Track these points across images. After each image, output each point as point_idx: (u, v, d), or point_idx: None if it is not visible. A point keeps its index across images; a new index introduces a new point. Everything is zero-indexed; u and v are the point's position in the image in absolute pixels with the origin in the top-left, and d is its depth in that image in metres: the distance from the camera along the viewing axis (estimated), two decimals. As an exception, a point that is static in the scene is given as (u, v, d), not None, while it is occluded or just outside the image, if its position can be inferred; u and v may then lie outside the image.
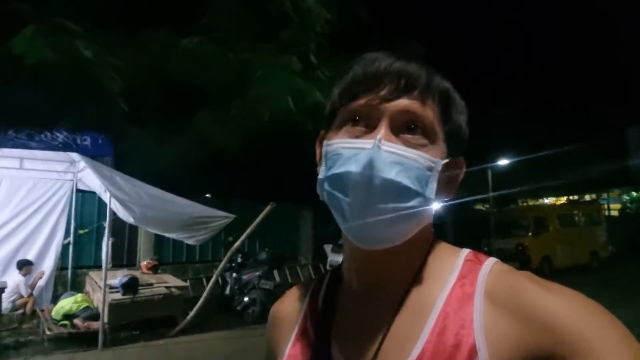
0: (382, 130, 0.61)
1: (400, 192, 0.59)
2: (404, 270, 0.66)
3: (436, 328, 0.60)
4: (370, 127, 0.63)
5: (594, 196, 22.46)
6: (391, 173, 0.59)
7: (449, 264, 0.66)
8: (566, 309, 0.54)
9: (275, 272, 9.50)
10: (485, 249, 13.28)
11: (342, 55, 7.67)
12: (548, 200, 23.03)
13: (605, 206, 21.44)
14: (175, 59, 7.23)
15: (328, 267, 10.74)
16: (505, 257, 12.36)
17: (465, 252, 0.68)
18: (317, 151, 0.72)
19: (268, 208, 7.55)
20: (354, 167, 0.60)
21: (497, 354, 0.55)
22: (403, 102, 0.62)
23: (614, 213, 22.59)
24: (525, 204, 21.20)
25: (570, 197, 22.22)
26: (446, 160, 0.65)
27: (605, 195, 23.75)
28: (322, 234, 11.85)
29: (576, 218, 14.67)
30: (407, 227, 0.63)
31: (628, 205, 22.84)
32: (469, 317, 0.58)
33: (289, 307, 0.80)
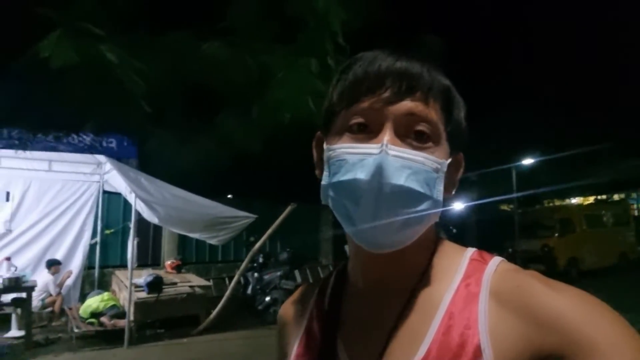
0: (387, 134, 0.59)
1: (411, 197, 0.59)
2: (409, 270, 0.66)
3: (441, 328, 0.59)
4: (374, 131, 0.61)
5: (622, 196, 21.82)
6: (400, 179, 0.58)
7: (454, 263, 0.66)
8: (572, 308, 0.54)
9: (297, 272, 9.52)
10: (510, 250, 13.03)
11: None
12: (575, 201, 22.48)
13: (634, 206, 20.81)
14: (196, 61, 7.32)
15: (349, 268, 10.73)
16: (530, 258, 12.10)
17: (471, 251, 0.68)
18: (315, 153, 0.71)
19: (289, 208, 7.57)
20: (361, 174, 0.58)
21: (502, 354, 0.54)
22: (407, 105, 0.60)
23: (644, 213, 21.90)
24: (551, 204, 20.74)
25: (598, 197, 21.64)
26: (450, 160, 0.64)
27: (634, 195, 23.04)
28: (342, 235, 11.76)
29: (604, 218, 14.27)
30: (416, 231, 0.62)
31: (659, 205, 22.12)
32: (474, 317, 0.58)
33: (296, 307, 0.80)
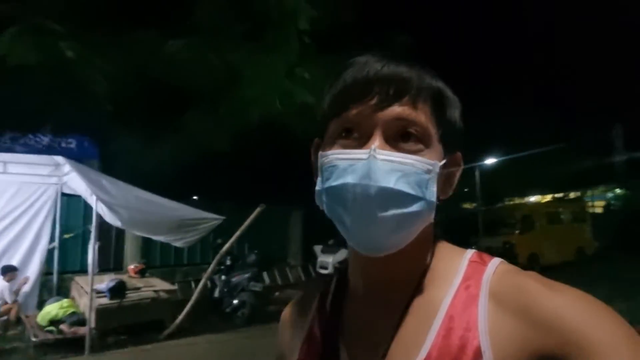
0: (377, 140, 0.61)
1: (401, 199, 0.59)
2: (408, 272, 0.67)
3: (441, 331, 0.60)
4: (364, 137, 0.62)
5: (579, 194, 22.79)
6: (390, 181, 0.59)
7: (454, 265, 0.67)
8: (572, 309, 0.54)
9: (265, 274, 9.47)
10: (473, 247, 13.30)
11: (329, 54, 7.68)
12: (534, 198, 23.31)
13: (591, 203, 21.75)
14: (161, 60, 7.18)
15: (318, 268, 10.74)
16: (492, 254, 12.43)
17: (470, 252, 0.69)
18: (313, 159, 0.72)
19: (257, 210, 7.52)
20: (351, 179, 0.59)
21: (502, 355, 0.55)
22: (395, 110, 0.61)
23: (599, 210, 22.93)
24: (512, 202, 21.43)
25: (556, 195, 22.51)
26: (444, 161, 0.65)
27: (590, 192, 24.09)
28: (312, 235, 11.85)
29: (562, 215, 14.87)
30: (411, 232, 0.63)
31: (612, 202, 23.22)
32: (473, 319, 0.59)
33: (298, 311, 0.81)
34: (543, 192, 23.26)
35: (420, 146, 0.62)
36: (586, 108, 21.51)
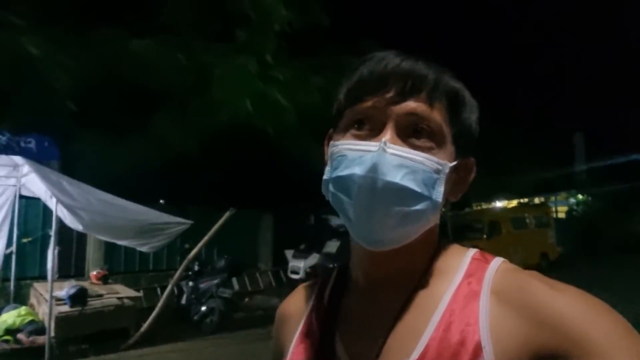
0: (388, 133, 0.61)
1: (407, 195, 0.60)
2: (410, 268, 0.67)
3: (441, 324, 0.60)
4: (376, 130, 0.63)
5: (542, 199, 23.53)
6: (397, 176, 0.59)
7: (456, 262, 0.67)
8: (573, 308, 0.55)
9: (234, 280, 9.34)
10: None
11: (302, 56, 7.68)
12: (500, 203, 23.92)
13: (554, 209, 22.48)
14: (129, 58, 7.01)
15: (289, 273, 10.68)
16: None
17: (473, 251, 0.69)
18: (325, 150, 0.72)
19: (227, 214, 7.44)
20: (358, 170, 0.60)
21: (502, 352, 0.55)
22: (410, 105, 0.62)
23: (562, 215, 23.74)
24: (480, 208, 21.92)
25: (521, 200, 23.17)
26: (454, 163, 0.65)
27: (553, 198, 24.92)
28: (283, 240, 11.78)
29: (527, 221, 15.29)
30: (414, 230, 0.63)
31: (574, 207, 24.07)
32: (475, 315, 0.59)
33: (296, 305, 0.81)
34: (508, 198, 23.90)
35: (432, 144, 0.62)
36: (550, 115, 22.32)
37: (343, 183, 0.62)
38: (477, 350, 0.56)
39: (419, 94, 0.62)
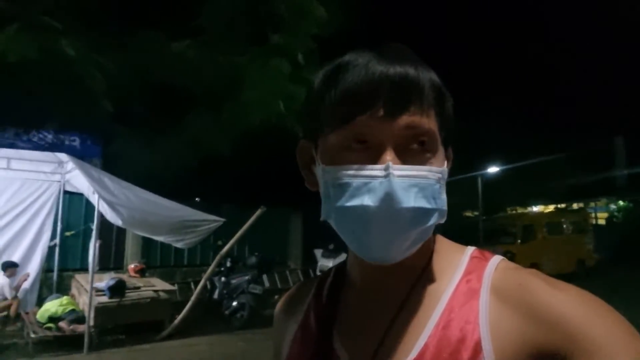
0: (389, 154, 0.57)
1: (420, 215, 0.58)
2: (409, 267, 0.65)
3: (441, 322, 0.60)
4: (373, 149, 0.58)
5: (581, 205, 22.72)
6: (410, 200, 0.56)
7: (455, 260, 0.66)
8: (573, 307, 0.54)
9: (265, 277, 9.44)
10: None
11: (334, 59, 7.67)
12: (536, 208, 23.23)
13: (593, 215, 21.67)
14: (166, 60, 7.19)
15: (318, 272, 10.70)
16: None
17: (471, 249, 0.68)
18: (300, 161, 0.69)
19: (258, 212, 7.51)
20: (369, 201, 0.56)
21: (502, 350, 0.55)
22: (405, 119, 0.58)
23: (601, 222, 22.83)
24: (514, 212, 21.36)
25: (558, 206, 22.45)
26: (446, 163, 0.64)
27: (592, 204, 24.01)
28: (312, 238, 11.82)
29: (564, 226, 14.78)
30: (422, 241, 0.62)
31: (615, 214, 23.12)
32: (474, 312, 0.58)
33: (294, 302, 0.80)
34: (545, 203, 23.18)
35: (429, 155, 0.60)
36: (590, 119, 21.51)
37: (352, 214, 0.58)
38: (477, 348, 0.55)
39: (412, 105, 0.58)
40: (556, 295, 0.55)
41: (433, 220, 0.60)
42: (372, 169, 0.57)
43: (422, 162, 0.59)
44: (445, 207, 0.61)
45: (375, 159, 0.58)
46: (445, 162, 0.64)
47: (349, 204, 0.58)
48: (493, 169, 17.86)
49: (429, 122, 0.60)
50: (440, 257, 0.67)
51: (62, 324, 6.31)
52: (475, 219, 17.94)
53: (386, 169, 0.56)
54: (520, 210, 22.38)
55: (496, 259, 0.65)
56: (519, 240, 13.32)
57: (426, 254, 0.67)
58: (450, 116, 0.65)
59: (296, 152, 0.70)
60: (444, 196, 0.61)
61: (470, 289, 0.61)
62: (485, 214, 17.06)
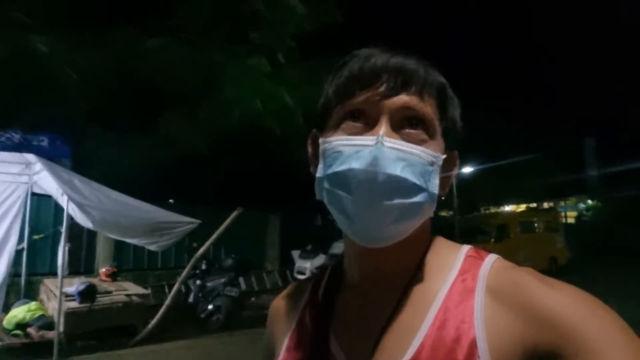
0: (384, 127, 0.60)
1: (406, 188, 0.59)
2: (404, 265, 0.66)
3: (436, 322, 0.60)
4: (369, 124, 0.62)
5: (552, 204, 23.33)
6: (396, 169, 0.58)
7: (450, 259, 0.67)
8: (568, 305, 0.54)
9: (241, 279, 9.37)
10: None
11: (313, 58, 7.68)
12: (509, 207, 23.75)
13: (563, 214, 22.27)
14: (141, 59, 7.05)
15: (295, 274, 10.69)
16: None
17: (466, 248, 0.69)
18: (310, 150, 0.72)
19: (235, 213, 7.46)
20: (357, 164, 0.58)
21: (497, 348, 0.55)
22: (402, 98, 0.62)
23: (571, 220, 23.51)
24: (488, 211, 21.79)
25: (530, 205, 23.01)
26: (445, 156, 0.65)
27: (563, 202, 24.70)
28: (290, 240, 11.80)
29: (536, 225, 15.18)
30: (411, 224, 0.62)
31: (584, 213, 23.84)
32: (469, 312, 0.59)
33: (289, 301, 0.80)
34: (518, 202, 23.73)
35: (425, 137, 0.63)
36: (561, 121, 22.12)
37: (340, 179, 0.60)
38: (472, 347, 0.55)
39: (410, 88, 0.62)
40: (551, 294, 0.56)
41: (420, 199, 0.60)
42: (364, 139, 0.60)
43: (417, 142, 0.62)
44: (436, 192, 0.62)
45: (369, 132, 0.61)
46: (445, 154, 0.65)
47: (338, 169, 0.60)
48: (467, 169, 18.18)
49: (426, 108, 0.63)
50: (436, 255, 0.68)
51: (30, 330, 6.13)
52: (450, 218, 18.23)
53: (378, 138, 0.59)
54: (494, 209, 22.86)
55: (491, 258, 0.66)
56: (493, 239, 13.59)
57: (421, 251, 0.68)
58: (454, 119, 0.69)
59: (307, 141, 0.73)
60: (435, 181, 0.63)
61: (465, 288, 0.62)
62: (460, 213, 17.36)
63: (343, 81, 0.65)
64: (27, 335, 6.11)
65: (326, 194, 0.64)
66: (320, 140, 0.67)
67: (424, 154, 0.61)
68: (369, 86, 0.62)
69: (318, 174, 0.65)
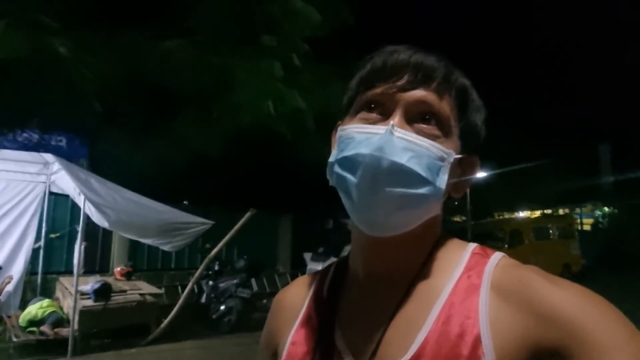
0: (397, 118, 0.62)
1: (410, 177, 0.60)
2: (410, 260, 0.67)
3: (441, 317, 0.60)
4: (385, 115, 0.64)
5: (567, 210, 22.99)
6: (402, 158, 0.59)
7: (456, 256, 0.67)
8: (573, 303, 0.55)
9: (253, 281, 9.39)
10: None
11: (325, 61, 7.69)
12: (523, 214, 23.46)
13: (578, 220, 21.94)
14: (155, 61, 7.13)
15: (307, 276, 10.69)
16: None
17: (473, 245, 0.69)
18: (333, 141, 0.72)
19: (248, 214, 7.48)
20: (364, 150, 0.60)
21: (501, 345, 0.55)
22: (419, 93, 0.63)
23: (587, 227, 23.13)
24: (501, 217, 21.56)
25: (545, 211, 22.69)
26: (460, 156, 0.65)
27: (578, 209, 24.33)
28: (301, 242, 11.80)
29: (550, 231, 14.97)
30: (415, 215, 0.63)
31: (600, 220, 23.44)
32: (474, 308, 0.59)
33: (294, 295, 0.80)
34: (532, 208, 23.44)
35: (439, 133, 0.63)
36: (577, 126, 21.83)
37: (349, 162, 0.62)
38: (477, 343, 0.56)
39: (429, 85, 0.63)
40: (556, 292, 0.56)
41: (425, 191, 0.61)
42: (376, 128, 0.62)
43: (430, 138, 0.63)
44: (443, 187, 0.63)
45: (383, 122, 0.63)
46: (460, 155, 0.66)
47: (348, 153, 0.62)
48: (481, 174, 18.02)
49: (443, 105, 0.64)
50: (442, 252, 0.68)
51: (44, 328, 6.17)
52: (463, 223, 18.07)
53: (388, 127, 0.60)
54: (507, 215, 22.59)
55: (497, 256, 0.66)
56: (507, 245, 13.44)
57: (427, 248, 0.68)
58: (475, 123, 0.69)
59: (333, 132, 0.74)
60: (445, 177, 0.63)
61: (470, 284, 0.62)
62: (473, 218, 17.20)
63: (365, 73, 0.67)
64: (41, 332, 6.14)
65: (335, 177, 0.65)
66: (338, 127, 0.69)
67: (434, 147, 0.62)
68: (388, 79, 0.64)
69: (330, 159, 0.66)
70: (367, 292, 0.69)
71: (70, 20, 6.55)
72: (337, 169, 0.64)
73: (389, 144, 0.59)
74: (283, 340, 0.74)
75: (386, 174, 0.59)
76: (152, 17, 7.30)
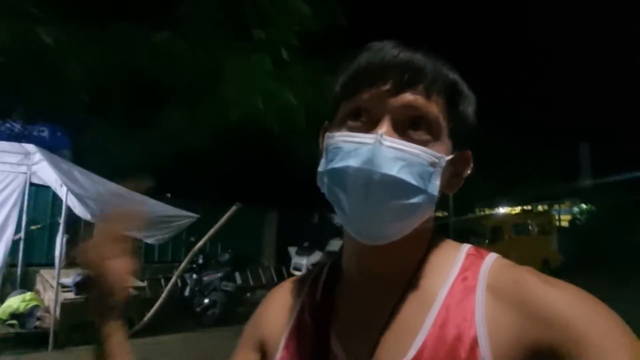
0: (385, 126, 0.60)
1: (402, 188, 0.58)
2: (405, 263, 0.66)
3: (438, 320, 0.60)
4: (372, 122, 0.61)
5: (546, 207, 23.44)
6: (393, 169, 0.58)
7: (451, 257, 0.67)
8: (568, 304, 0.55)
9: (237, 274, 9.39)
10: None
11: (315, 57, 7.70)
12: (503, 209, 23.85)
13: (557, 217, 22.39)
14: (143, 52, 7.05)
15: (292, 270, 10.73)
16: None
17: (467, 246, 0.69)
18: (320, 142, 0.71)
19: (233, 209, 7.46)
20: (353, 162, 0.58)
21: (498, 347, 0.55)
22: (407, 97, 0.61)
23: (565, 224, 23.62)
24: (482, 213, 21.87)
25: (524, 207, 23.12)
26: (451, 156, 0.64)
27: (557, 206, 24.82)
28: (286, 237, 11.83)
29: (529, 227, 15.26)
30: (409, 223, 0.62)
31: (578, 216, 23.96)
32: (470, 310, 0.59)
33: (288, 294, 0.79)
34: (513, 204, 23.83)
35: (429, 137, 0.62)
36: (558, 125, 22.23)
37: (338, 175, 0.60)
38: (474, 345, 0.56)
39: (416, 86, 0.61)
40: (552, 293, 0.57)
41: (418, 200, 0.60)
42: (365, 137, 0.60)
43: (420, 143, 0.61)
44: (436, 193, 0.62)
45: (371, 130, 0.61)
46: (452, 155, 0.65)
47: (337, 165, 0.61)
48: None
49: (431, 107, 0.62)
50: (436, 254, 0.68)
51: (25, 320, 6.12)
52: (445, 219, 18.29)
53: (377, 136, 0.59)
54: (488, 211, 22.94)
55: (492, 257, 0.66)
56: (487, 241, 13.66)
57: (421, 250, 0.67)
58: (466, 117, 0.67)
59: (320, 132, 0.73)
60: (436, 182, 0.61)
61: (466, 286, 0.62)
62: (454, 214, 17.42)
63: (350, 77, 0.64)
64: (22, 325, 6.10)
65: (326, 188, 0.64)
66: (326, 134, 0.67)
67: (425, 154, 0.60)
68: (374, 83, 0.61)
69: (320, 168, 0.65)
70: (363, 295, 0.68)
71: (57, 10, 6.43)
72: (327, 180, 0.63)
73: (378, 155, 0.57)
74: (273, 344, 0.73)
75: (377, 187, 0.58)
76: (142, 8, 7.20)
